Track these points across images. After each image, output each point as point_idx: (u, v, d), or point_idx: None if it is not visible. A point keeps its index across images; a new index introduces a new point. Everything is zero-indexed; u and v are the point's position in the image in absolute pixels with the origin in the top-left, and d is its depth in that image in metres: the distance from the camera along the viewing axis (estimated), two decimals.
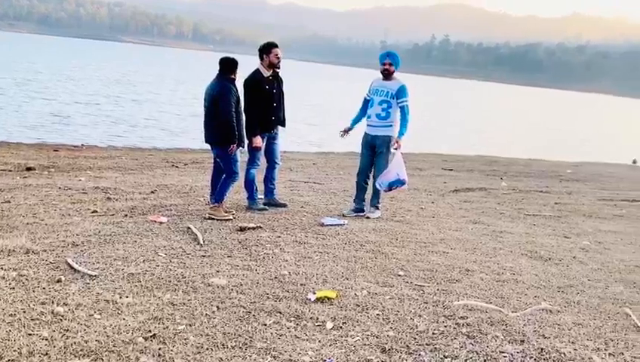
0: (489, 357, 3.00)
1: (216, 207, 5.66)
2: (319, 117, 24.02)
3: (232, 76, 5.64)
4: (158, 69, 47.63)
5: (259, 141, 5.99)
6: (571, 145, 22.69)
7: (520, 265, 4.80)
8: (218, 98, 5.52)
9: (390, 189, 6.11)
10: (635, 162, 16.82)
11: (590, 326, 3.51)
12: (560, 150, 19.27)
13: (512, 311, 3.67)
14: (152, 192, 6.77)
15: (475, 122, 30.58)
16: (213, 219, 5.52)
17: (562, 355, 3.07)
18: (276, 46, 6.06)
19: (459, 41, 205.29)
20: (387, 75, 6.12)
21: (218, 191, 5.71)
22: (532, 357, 3.03)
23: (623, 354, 3.14)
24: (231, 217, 5.62)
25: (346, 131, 6.33)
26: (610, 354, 3.14)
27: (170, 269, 4.02)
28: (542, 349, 3.12)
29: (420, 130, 15.73)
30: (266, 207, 6.21)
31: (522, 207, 7.67)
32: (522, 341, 3.23)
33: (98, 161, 9.37)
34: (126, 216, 5.52)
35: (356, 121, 6.36)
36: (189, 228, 5.14)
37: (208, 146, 5.89)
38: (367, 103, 6.25)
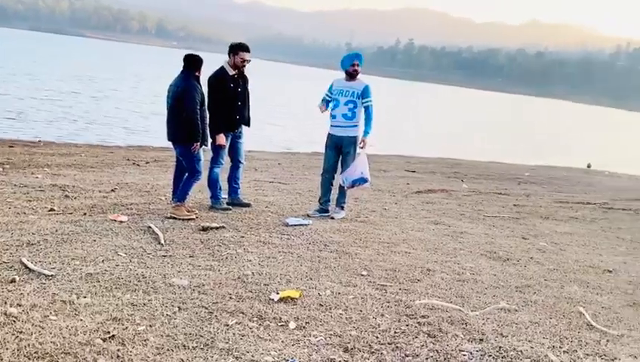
0: (449, 356, 3.06)
1: (179, 206, 5.57)
2: (285, 117, 23.99)
3: (197, 74, 5.56)
4: (120, 65, 46.61)
5: (222, 139, 5.93)
6: (529, 148, 23.31)
7: (479, 265, 4.90)
8: (182, 95, 5.43)
9: (353, 186, 6.20)
10: (589, 166, 17.39)
11: (546, 325, 3.62)
12: (518, 153, 19.78)
13: (472, 311, 3.74)
14: (113, 190, 6.62)
15: (438, 125, 31.10)
16: (175, 218, 5.44)
17: (519, 353, 3.15)
18: (246, 50, 5.97)
19: (423, 45, 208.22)
20: (355, 75, 6.17)
21: (180, 190, 5.63)
22: (490, 356, 3.10)
23: (576, 351, 3.25)
24: (193, 216, 5.55)
25: (324, 105, 6.24)
26: (564, 351, 3.23)
27: (131, 269, 3.94)
28: (500, 347, 3.20)
29: (384, 132, 15.88)
30: (230, 206, 6.16)
31: (482, 209, 7.84)
32: (481, 339, 3.30)
33: (56, 158, 9.09)
34: (85, 214, 5.38)
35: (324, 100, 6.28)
36: (150, 227, 5.05)
37: (170, 144, 5.80)
38: (327, 102, 6.25)
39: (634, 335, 3.57)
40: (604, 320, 3.79)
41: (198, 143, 5.51)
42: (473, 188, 9.96)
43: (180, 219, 5.42)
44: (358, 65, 6.13)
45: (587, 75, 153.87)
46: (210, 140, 5.90)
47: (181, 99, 5.43)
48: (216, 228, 5.24)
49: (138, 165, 9.29)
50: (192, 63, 5.55)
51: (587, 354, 3.21)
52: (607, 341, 3.43)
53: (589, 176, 14.26)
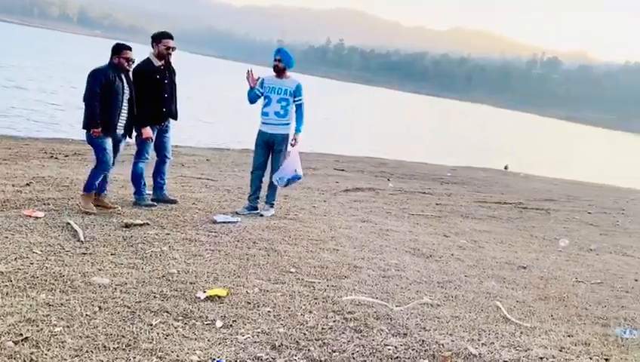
0: (374, 350, 3.12)
1: (85, 196, 5.35)
2: (214, 113, 23.56)
3: (115, 61, 5.36)
4: (36, 53, 43.89)
5: (148, 132, 5.75)
6: (451, 149, 24.26)
7: (404, 262, 5.05)
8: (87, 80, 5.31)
9: (287, 185, 6.24)
10: (506, 168, 18.33)
11: (466, 319, 3.78)
12: (441, 154, 20.54)
13: (397, 306, 3.84)
14: (27, 185, 6.23)
15: (367, 125, 31.69)
16: (87, 212, 5.22)
17: (441, 346, 3.27)
18: (169, 37, 5.83)
19: (353, 46, 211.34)
20: (277, 70, 6.16)
21: (87, 181, 5.41)
22: (414, 349, 3.20)
23: (493, 343, 3.42)
24: (95, 211, 5.30)
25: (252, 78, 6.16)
26: (482, 343, 3.39)
27: (47, 267, 3.73)
28: (423, 341, 3.31)
29: (314, 131, 15.99)
30: (155, 203, 5.97)
31: (407, 207, 8.08)
32: (405, 334, 3.39)
33: None
34: None
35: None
36: (68, 223, 4.80)
37: None
38: (255, 97, 6.20)
39: (545, 327, 3.81)
40: (518, 314, 4.01)
41: (98, 130, 5.28)
42: (399, 187, 10.24)
43: (85, 212, 5.20)
44: (279, 60, 6.12)
45: (506, 81, 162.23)
46: (135, 134, 5.71)
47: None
48: (140, 225, 5.06)
49: (57, 158, 8.81)
50: (112, 50, 5.40)
51: (503, 346, 3.39)
52: (521, 333, 3.64)
53: (506, 177, 15.05)
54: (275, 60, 6.15)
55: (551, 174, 17.72)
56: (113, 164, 5.55)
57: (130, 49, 5.47)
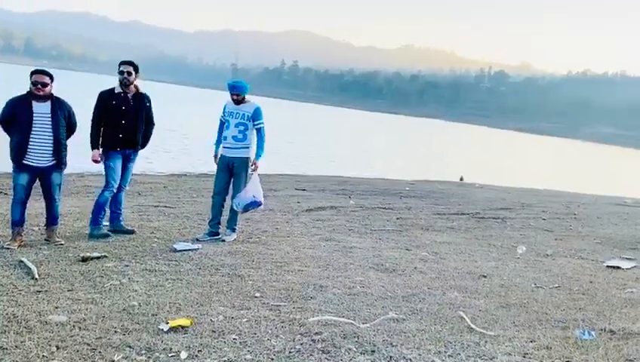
0: None
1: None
2: (170, 139, 23.24)
3: (29, 89, 5.23)
4: None
5: (95, 155, 5.79)
6: (408, 164, 24.67)
7: (369, 278, 5.07)
8: None
9: (246, 210, 6.20)
10: (461, 179, 18.74)
11: (432, 331, 3.82)
12: (399, 169, 20.85)
13: (363, 323, 3.85)
14: None
15: (326, 144, 31.90)
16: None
17: (409, 361, 3.29)
18: (124, 63, 5.92)
19: (307, 67, 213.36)
20: (237, 102, 6.19)
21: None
22: None
23: (459, 354, 3.46)
24: (14, 246, 5.13)
25: (217, 157, 6.31)
26: (449, 355, 3.43)
27: None
28: (391, 357, 3.32)
29: (274, 152, 16.00)
30: (110, 233, 5.84)
31: (369, 223, 8.14)
32: (373, 351, 3.40)
33: None
34: None
35: (218, 143, 6.34)
36: (21, 261, 4.62)
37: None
38: (222, 125, 6.24)
39: (507, 334, 3.88)
40: (481, 322, 4.08)
41: (13, 162, 5.21)
42: (360, 203, 10.32)
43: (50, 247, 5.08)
44: (237, 95, 6.17)
45: (456, 95, 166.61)
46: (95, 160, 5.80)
47: None
48: (98, 257, 4.93)
49: (6, 194, 8.48)
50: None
51: (469, 356, 3.43)
52: (486, 342, 3.70)
53: (462, 189, 15.37)
54: (233, 95, 6.17)
55: (504, 183, 18.22)
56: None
57: (40, 73, 5.30)
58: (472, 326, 3.96)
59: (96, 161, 5.83)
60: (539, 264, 6.29)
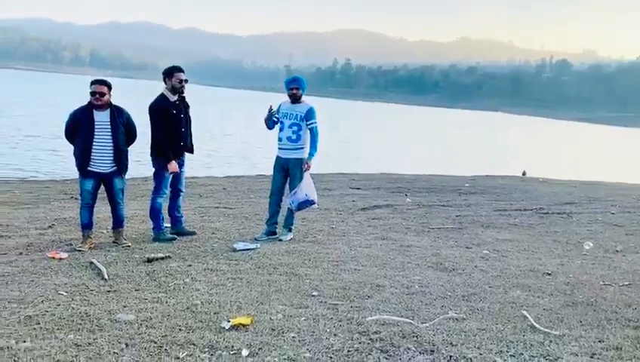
0: None
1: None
2: (227, 141, 23.81)
3: (90, 100, 5.45)
4: (49, 97, 44.84)
5: (174, 166, 5.85)
6: (468, 159, 24.13)
7: (427, 277, 5.01)
8: None
9: (300, 209, 6.27)
10: (524, 174, 18.13)
11: (493, 331, 3.73)
12: (459, 165, 20.43)
13: (422, 323, 3.81)
14: (50, 227, 6.35)
15: (381, 141, 31.71)
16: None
17: (469, 361, 3.23)
18: (180, 70, 5.96)
19: (360, 64, 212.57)
20: (295, 99, 6.24)
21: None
22: None
23: (522, 354, 3.36)
24: (85, 249, 5.39)
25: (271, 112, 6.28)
26: (511, 355, 3.34)
27: (73, 308, 3.79)
28: (451, 357, 3.27)
29: (328, 151, 16.06)
30: (175, 236, 6.04)
31: (426, 221, 8.03)
32: (432, 351, 3.36)
33: None
34: (21, 253, 5.13)
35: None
36: (92, 262, 4.88)
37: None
38: (273, 123, 6.32)
39: (574, 333, 3.74)
40: (546, 322, 3.94)
41: (78, 170, 5.49)
42: (417, 201, 10.20)
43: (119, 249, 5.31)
44: (296, 88, 6.22)
45: (516, 86, 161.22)
46: (153, 169, 5.84)
47: None
48: (162, 258, 5.12)
49: (76, 199, 8.95)
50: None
51: (532, 356, 3.33)
52: (550, 341, 3.58)
53: (524, 184, 14.89)
54: (292, 89, 6.22)
55: (570, 177, 17.49)
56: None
57: (98, 83, 5.52)
58: (536, 325, 3.83)
59: (175, 172, 5.89)
60: (607, 260, 6.02)
